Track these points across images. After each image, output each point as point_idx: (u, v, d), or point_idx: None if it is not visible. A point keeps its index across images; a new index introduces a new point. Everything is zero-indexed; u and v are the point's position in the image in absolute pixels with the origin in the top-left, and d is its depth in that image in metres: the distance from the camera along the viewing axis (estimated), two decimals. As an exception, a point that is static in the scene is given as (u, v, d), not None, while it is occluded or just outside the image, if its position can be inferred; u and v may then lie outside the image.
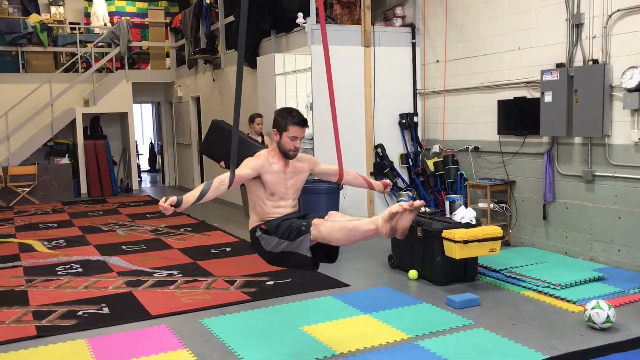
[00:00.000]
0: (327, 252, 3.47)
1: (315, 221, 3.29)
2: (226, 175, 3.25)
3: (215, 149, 6.99)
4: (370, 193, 8.26)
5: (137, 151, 15.50)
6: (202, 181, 12.75)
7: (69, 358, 4.09)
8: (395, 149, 8.43)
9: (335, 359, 3.95)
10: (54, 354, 4.18)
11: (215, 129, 7.17)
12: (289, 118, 3.56)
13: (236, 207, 10.43)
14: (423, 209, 6.07)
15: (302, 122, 3.58)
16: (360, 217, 3.35)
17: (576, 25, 6.14)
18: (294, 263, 3.45)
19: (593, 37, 6.00)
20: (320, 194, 7.02)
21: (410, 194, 6.29)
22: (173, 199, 3.06)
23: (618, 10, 5.74)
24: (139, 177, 15.32)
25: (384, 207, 8.31)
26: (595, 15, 5.96)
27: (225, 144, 6.25)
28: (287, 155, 3.58)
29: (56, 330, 4.61)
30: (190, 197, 3.14)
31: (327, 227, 3.21)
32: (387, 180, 4.09)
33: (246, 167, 3.44)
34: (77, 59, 13.48)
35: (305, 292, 5.43)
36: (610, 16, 5.80)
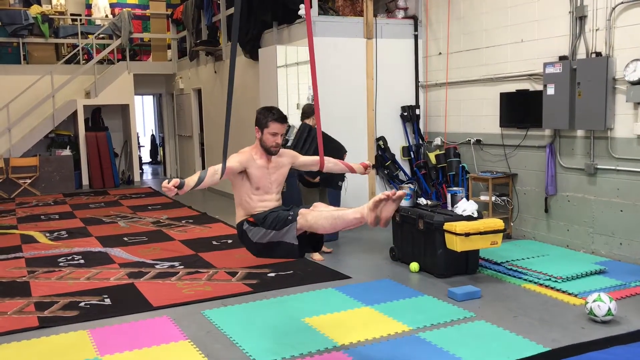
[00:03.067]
0: (312, 241, 3.59)
1: (302, 211, 3.41)
2: (219, 166, 3.41)
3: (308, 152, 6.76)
4: (371, 186, 8.26)
5: (139, 143, 15.51)
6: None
7: (70, 349, 4.10)
8: (397, 142, 8.42)
9: (336, 350, 3.96)
10: (55, 344, 4.19)
11: (306, 131, 6.83)
12: (269, 115, 3.69)
13: (237, 199, 10.43)
14: (425, 202, 6.07)
15: (282, 119, 3.72)
16: (346, 208, 3.43)
17: (579, 18, 6.11)
18: (281, 252, 3.56)
19: (596, 30, 5.97)
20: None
21: (412, 186, 6.28)
22: (176, 180, 3.16)
23: (622, 3, 5.71)
24: (141, 169, 15.32)
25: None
26: (598, 7, 5.93)
27: (312, 144, 6.29)
28: (269, 151, 3.72)
29: (58, 321, 4.63)
30: (190, 181, 3.27)
31: (314, 215, 3.33)
32: (367, 162, 4.22)
33: (234, 161, 3.55)
34: (78, 50, 13.45)
35: (307, 284, 5.44)
36: (614, 8, 5.77)
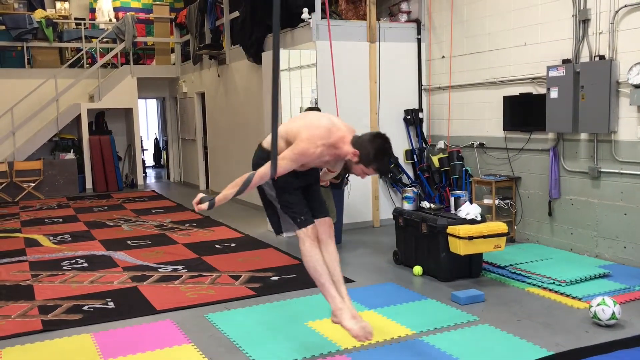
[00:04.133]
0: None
1: (309, 231, 3.46)
2: (265, 172, 3.22)
3: None
4: (374, 190, 8.26)
5: (142, 147, 15.55)
6: (207, 177, 12.81)
7: (74, 352, 4.10)
8: (400, 145, 8.42)
9: (339, 354, 3.95)
10: (59, 348, 4.20)
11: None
12: (378, 163, 3.38)
13: (241, 202, 10.44)
14: (428, 205, 6.07)
15: (383, 173, 3.65)
16: (335, 270, 3.59)
17: (583, 21, 6.10)
18: (271, 216, 3.63)
19: (600, 33, 5.97)
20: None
21: (415, 189, 6.28)
22: (204, 205, 3.21)
23: (625, 6, 5.71)
24: (144, 172, 15.35)
25: (388, 203, 8.31)
26: (602, 10, 5.93)
27: None
28: (348, 171, 3.62)
29: (62, 324, 4.63)
30: (223, 198, 3.26)
31: (312, 254, 3.45)
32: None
33: (291, 161, 3.30)
34: (82, 54, 13.50)
35: (310, 287, 5.41)
36: (617, 12, 5.77)
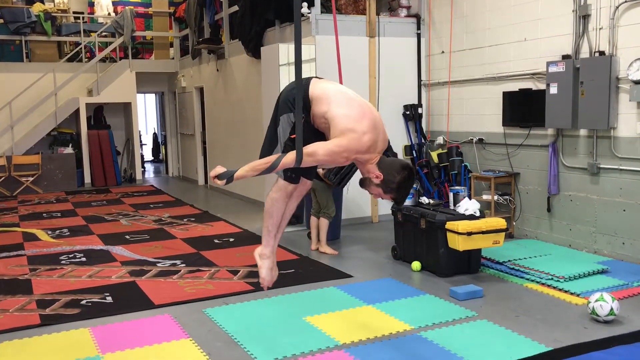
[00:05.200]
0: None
1: (290, 188, 3.44)
2: (290, 161, 3.05)
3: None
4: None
5: (141, 141, 15.52)
6: (206, 171, 12.80)
7: (72, 347, 4.10)
8: (399, 141, 8.40)
9: (337, 349, 3.95)
10: (57, 342, 4.19)
11: None
12: (398, 194, 3.27)
13: (240, 197, 10.43)
14: (427, 201, 6.06)
15: (399, 203, 3.39)
16: (284, 223, 3.64)
17: (583, 17, 6.09)
18: (266, 144, 3.50)
19: (600, 29, 5.95)
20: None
21: (414, 185, 6.27)
22: (222, 182, 3.17)
23: (625, 2, 5.69)
24: (143, 167, 15.33)
25: (387, 201, 8.27)
26: (602, 6, 5.91)
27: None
28: (362, 185, 3.39)
29: (60, 319, 4.63)
30: (242, 176, 3.16)
31: (278, 205, 3.49)
32: None
33: (316, 161, 3.15)
34: (80, 48, 13.46)
35: (308, 282, 5.43)
36: (617, 7, 5.76)
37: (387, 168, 3.23)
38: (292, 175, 3.41)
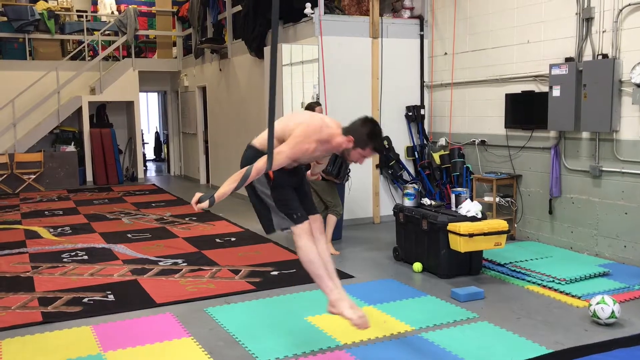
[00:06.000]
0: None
1: (306, 227, 3.51)
2: (262, 166, 3.22)
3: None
4: (375, 186, 8.26)
5: (143, 140, 15.54)
6: (208, 171, 12.81)
7: (74, 344, 4.11)
8: (401, 142, 8.42)
9: (339, 349, 3.96)
10: (59, 340, 4.20)
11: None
12: (374, 142, 3.51)
13: (241, 197, 10.44)
14: (428, 202, 6.07)
15: (380, 151, 3.68)
16: (329, 264, 3.63)
17: (586, 19, 6.09)
18: (261, 214, 3.64)
19: (603, 32, 5.95)
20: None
21: (416, 186, 6.26)
22: (205, 204, 3.18)
23: (629, 5, 5.69)
24: (145, 166, 15.35)
25: (389, 199, 8.31)
26: (605, 9, 5.91)
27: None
28: (344, 157, 3.64)
29: (62, 316, 4.64)
30: (222, 194, 3.24)
31: (309, 248, 3.49)
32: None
33: (287, 158, 3.36)
34: (84, 47, 13.48)
35: (310, 282, 5.39)
36: (621, 10, 5.76)
37: (352, 130, 3.51)
38: (294, 215, 3.51)
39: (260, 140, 3.62)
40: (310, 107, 6.59)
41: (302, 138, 3.41)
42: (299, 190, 3.74)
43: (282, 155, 3.32)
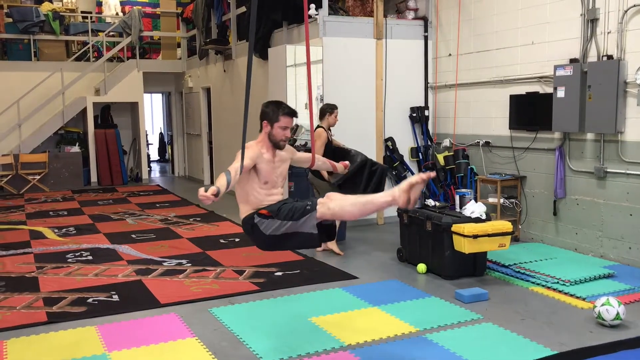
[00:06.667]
0: (327, 231, 3.64)
1: (321, 200, 3.43)
2: (237, 165, 3.43)
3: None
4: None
5: (147, 141, 15.56)
6: (212, 172, 12.83)
7: (78, 344, 4.12)
8: (405, 143, 8.41)
9: (343, 350, 3.96)
10: (64, 340, 4.21)
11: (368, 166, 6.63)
12: (280, 109, 3.73)
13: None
14: (433, 203, 6.07)
15: (292, 113, 3.77)
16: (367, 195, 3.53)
17: (591, 21, 6.08)
18: (296, 243, 3.60)
19: (608, 33, 5.94)
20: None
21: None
22: (214, 188, 3.16)
23: (634, 6, 5.68)
24: (149, 166, 15.37)
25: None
26: (610, 10, 5.90)
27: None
28: (277, 145, 3.77)
29: (66, 316, 4.65)
30: (223, 187, 3.27)
31: (338, 203, 3.35)
32: (346, 162, 4.49)
33: (247, 158, 3.54)
34: (88, 47, 13.51)
35: (314, 283, 5.44)
36: (626, 11, 5.74)
37: (261, 117, 3.76)
38: (306, 207, 3.44)
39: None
40: (323, 111, 6.60)
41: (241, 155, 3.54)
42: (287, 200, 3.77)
43: (234, 166, 3.45)
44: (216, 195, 3.14)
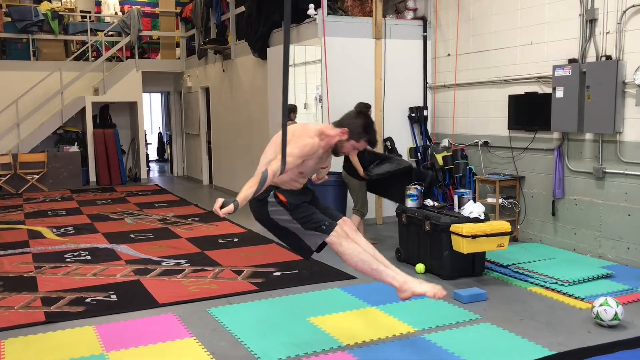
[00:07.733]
0: (321, 246, 3.66)
1: (339, 230, 3.46)
2: (275, 169, 3.25)
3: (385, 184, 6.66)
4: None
5: (146, 140, 15.56)
6: (211, 171, 12.82)
7: (77, 344, 4.11)
8: (404, 143, 8.41)
9: (341, 350, 3.96)
10: (62, 340, 4.21)
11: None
12: (368, 134, 3.60)
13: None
14: (431, 203, 6.07)
15: (372, 144, 3.71)
16: (378, 255, 3.64)
17: (590, 21, 6.08)
18: (289, 242, 3.63)
19: (607, 33, 5.95)
20: (329, 187, 7.00)
21: (419, 187, 6.25)
22: (231, 207, 3.07)
23: (633, 6, 5.68)
24: (148, 166, 15.37)
25: (391, 202, 8.28)
26: (609, 10, 5.91)
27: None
28: (336, 153, 3.69)
29: (65, 316, 4.65)
30: (243, 202, 3.17)
31: (352, 249, 3.44)
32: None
33: (297, 156, 3.40)
34: (87, 47, 13.51)
35: (312, 283, 5.44)
36: (624, 12, 5.75)
37: (346, 121, 3.59)
38: (323, 225, 3.48)
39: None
40: (367, 108, 6.58)
41: (304, 138, 3.45)
42: (315, 205, 3.73)
43: (293, 155, 3.34)
44: (234, 210, 3.10)
